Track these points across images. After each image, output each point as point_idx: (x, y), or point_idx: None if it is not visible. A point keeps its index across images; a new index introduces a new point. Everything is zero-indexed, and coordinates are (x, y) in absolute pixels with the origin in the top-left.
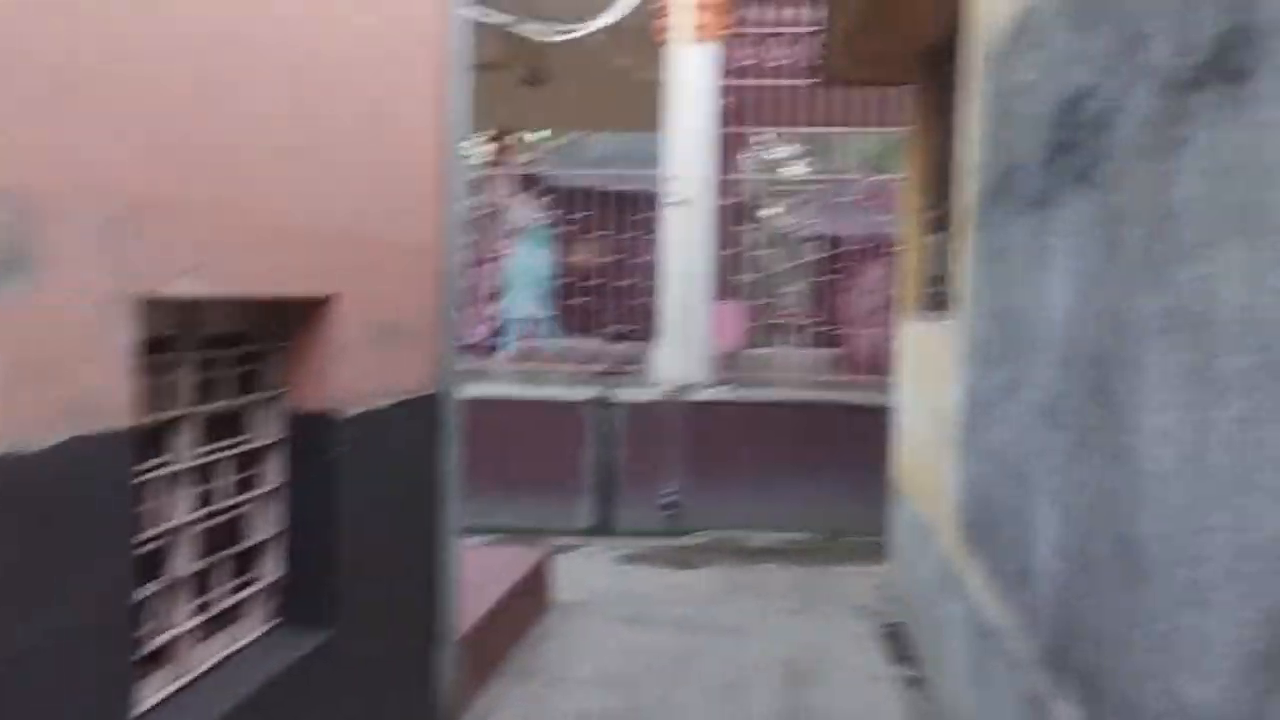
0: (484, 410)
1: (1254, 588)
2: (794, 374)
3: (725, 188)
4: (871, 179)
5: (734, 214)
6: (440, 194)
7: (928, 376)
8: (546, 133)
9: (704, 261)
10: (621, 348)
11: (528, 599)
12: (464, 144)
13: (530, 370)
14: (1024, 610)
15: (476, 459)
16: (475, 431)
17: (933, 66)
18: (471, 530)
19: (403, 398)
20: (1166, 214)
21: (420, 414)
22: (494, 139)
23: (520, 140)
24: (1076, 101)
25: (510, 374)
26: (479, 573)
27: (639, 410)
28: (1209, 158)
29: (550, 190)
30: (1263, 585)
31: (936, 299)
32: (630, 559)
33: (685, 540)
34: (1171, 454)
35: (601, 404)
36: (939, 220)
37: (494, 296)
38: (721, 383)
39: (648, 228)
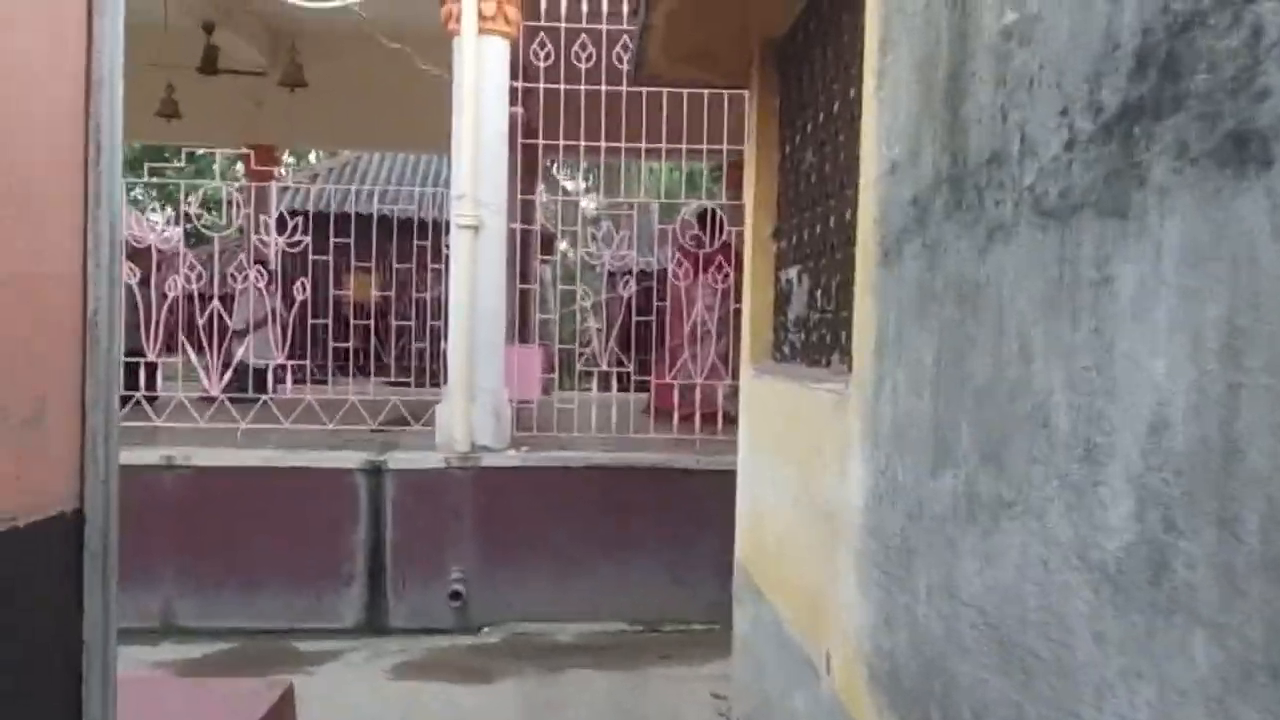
0: (217, 480)
1: None
2: (599, 433)
3: (521, 212)
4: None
5: (529, 243)
6: (86, 212)
7: (796, 449)
8: (317, 152)
9: (496, 297)
10: (396, 400)
11: None
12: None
13: (282, 431)
14: None
15: (206, 544)
16: (206, 509)
17: (781, 60)
18: (193, 634)
19: (32, 519)
20: None
21: (32, 548)
22: (249, 154)
23: (282, 158)
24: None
25: (254, 434)
26: None
27: (418, 479)
28: None
29: (313, 215)
30: None
31: (800, 348)
32: (407, 670)
33: (477, 639)
34: None
35: (372, 471)
36: (795, 249)
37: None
38: (517, 444)
39: (434, 259)
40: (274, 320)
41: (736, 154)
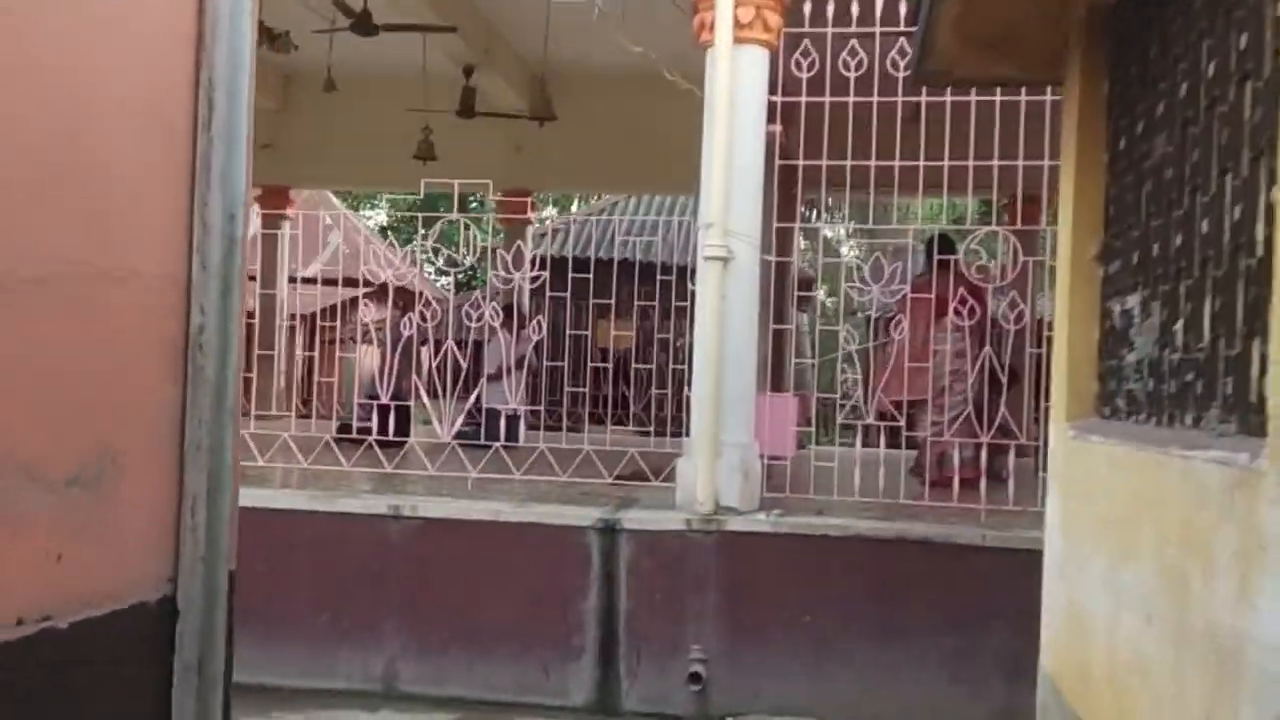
0: (444, 533)
1: None
2: (863, 496)
3: (776, 244)
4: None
5: (785, 278)
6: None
7: (1153, 542)
8: (578, 202)
9: (747, 338)
10: (634, 451)
11: None
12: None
13: (515, 482)
14: None
15: (432, 602)
16: (432, 563)
17: (1116, 32)
18: (415, 701)
19: (82, 616)
20: None
21: (88, 655)
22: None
23: (534, 203)
24: None
25: (485, 484)
26: None
27: (656, 541)
28: None
29: (567, 260)
30: None
31: (1146, 400)
32: None
33: None
34: None
35: (606, 530)
36: (1136, 271)
37: (490, 382)
38: (767, 507)
39: (679, 302)
40: (519, 366)
41: (1031, 181)
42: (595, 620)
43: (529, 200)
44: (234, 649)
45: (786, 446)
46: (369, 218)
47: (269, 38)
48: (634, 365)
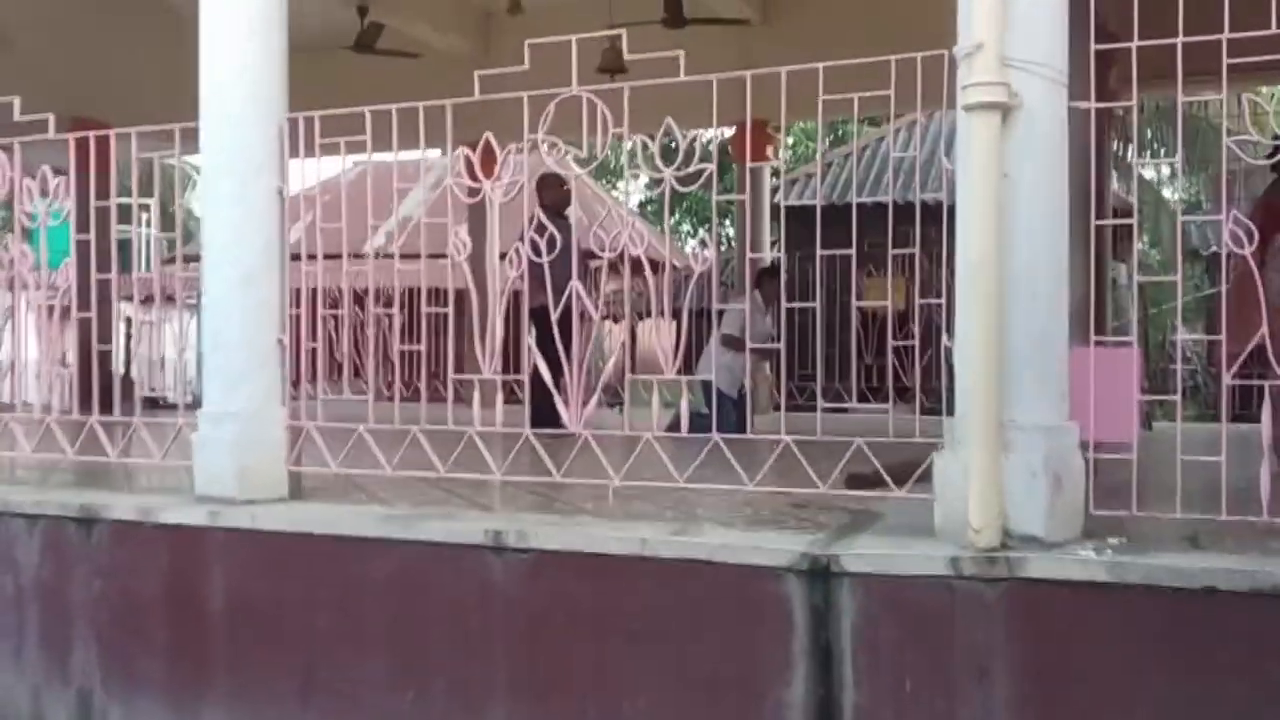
0: (566, 574)
1: None
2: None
3: (1095, 86)
4: None
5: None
6: None
7: None
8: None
9: (1051, 250)
10: (860, 442)
11: None
12: None
13: (678, 493)
14: None
15: (549, 675)
16: (550, 619)
17: None
18: None
19: None
20: None
21: None
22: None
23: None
24: None
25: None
26: None
27: (899, 593)
28: None
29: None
30: None
31: None
32: None
33: None
34: None
35: (816, 575)
36: None
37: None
38: (1099, 534)
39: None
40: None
41: None
42: None
43: (767, 132)
44: None
45: (1128, 428)
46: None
47: None
48: (912, 325)
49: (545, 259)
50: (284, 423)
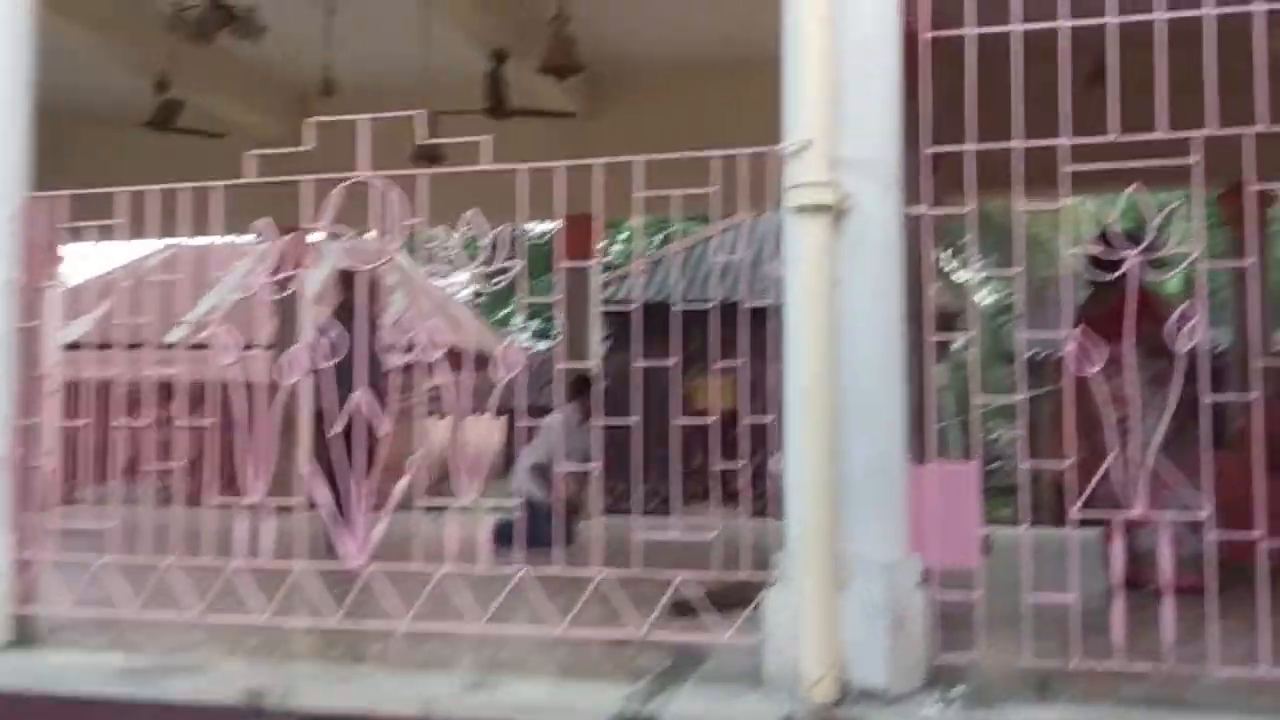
0: None
1: None
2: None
3: (933, 188)
4: None
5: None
6: None
7: None
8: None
9: (886, 364)
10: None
11: None
12: None
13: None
14: None
15: None
16: None
17: None
18: None
19: None
20: None
21: None
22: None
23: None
24: None
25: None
26: None
27: None
28: None
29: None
30: None
31: None
32: None
33: None
34: None
35: None
36: None
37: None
38: (944, 681)
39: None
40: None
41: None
42: None
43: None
44: None
45: (970, 552)
46: None
47: (226, 20)
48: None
49: (322, 365)
50: (8, 554)
